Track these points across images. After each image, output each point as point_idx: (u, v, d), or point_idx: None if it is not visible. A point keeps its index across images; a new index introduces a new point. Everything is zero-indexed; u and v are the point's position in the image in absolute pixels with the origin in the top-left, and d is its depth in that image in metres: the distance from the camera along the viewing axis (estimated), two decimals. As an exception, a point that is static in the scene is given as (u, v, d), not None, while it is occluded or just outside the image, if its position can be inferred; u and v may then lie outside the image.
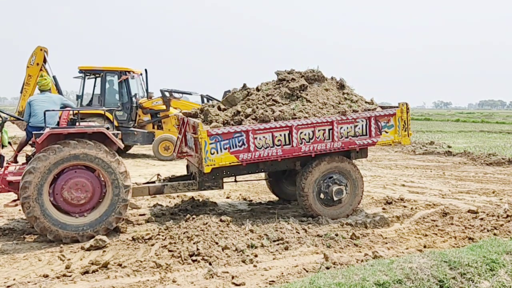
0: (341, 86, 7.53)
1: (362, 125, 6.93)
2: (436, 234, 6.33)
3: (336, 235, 5.99)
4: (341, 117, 6.80)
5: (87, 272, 4.81)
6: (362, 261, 5.07)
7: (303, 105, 6.98)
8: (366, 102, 7.42)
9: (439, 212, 7.31)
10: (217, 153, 6.47)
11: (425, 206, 7.88)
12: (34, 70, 14.27)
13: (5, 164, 6.56)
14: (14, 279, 4.68)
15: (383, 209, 7.76)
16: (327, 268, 4.81)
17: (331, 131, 6.78)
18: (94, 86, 14.99)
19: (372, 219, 6.94)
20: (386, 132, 7.04)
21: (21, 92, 14.71)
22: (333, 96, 7.26)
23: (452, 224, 6.67)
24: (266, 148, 6.63)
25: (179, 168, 12.14)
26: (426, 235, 6.28)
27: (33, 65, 14.23)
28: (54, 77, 14.41)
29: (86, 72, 14.95)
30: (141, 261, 5.10)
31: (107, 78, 14.81)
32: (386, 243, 5.91)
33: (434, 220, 6.90)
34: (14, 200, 6.29)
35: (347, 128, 6.87)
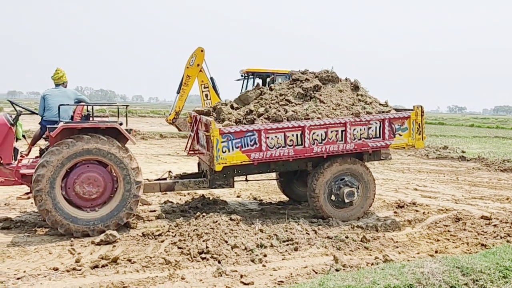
0: (355, 87, 7.46)
1: (376, 127, 6.87)
2: (448, 239, 6.25)
3: (347, 237, 5.93)
4: (354, 119, 6.74)
5: (96, 266, 4.82)
6: (372, 264, 5.02)
7: (316, 106, 6.93)
8: (380, 104, 7.35)
9: (451, 217, 7.20)
10: (229, 151, 6.45)
11: (438, 211, 7.78)
12: (193, 71, 14.58)
13: (18, 157, 6.62)
14: (24, 271, 4.71)
15: (395, 212, 7.68)
16: (337, 270, 4.77)
17: (344, 132, 6.73)
18: (245, 86, 15.37)
19: (383, 222, 6.87)
20: (400, 135, 6.96)
21: (178, 93, 14.99)
22: (347, 97, 7.20)
23: (464, 230, 6.57)
24: (278, 148, 6.59)
25: (190, 165, 12.17)
26: (438, 240, 6.20)
27: (193, 66, 14.55)
28: (211, 78, 14.78)
29: (254, 75, 15.18)
30: (150, 257, 5.10)
31: (277, 80, 15.01)
32: (397, 247, 5.85)
33: (447, 225, 6.81)
34: (27, 193, 6.34)
35: (360, 130, 6.81)
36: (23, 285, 4.37)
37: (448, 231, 6.57)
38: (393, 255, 5.44)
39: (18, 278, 4.53)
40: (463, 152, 16.73)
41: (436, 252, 5.68)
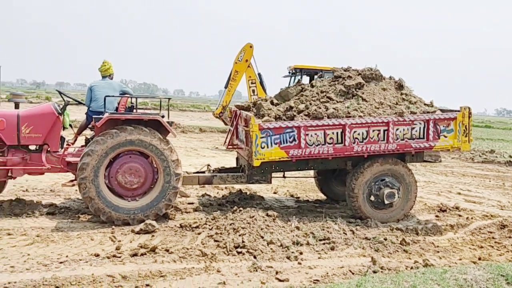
0: (400, 86, 7.27)
1: (420, 128, 6.66)
2: (492, 246, 6.00)
3: (385, 239, 5.80)
4: (397, 118, 6.56)
5: (135, 254, 4.94)
6: (411, 268, 4.88)
7: (358, 104, 6.81)
8: (425, 104, 7.13)
9: (496, 224, 6.89)
10: (267, 147, 6.43)
11: (482, 217, 7.48)
12: (242, 66, 14.73)
13: (65, 146, 6.85)
14: (66, 256, 4.88)
15: (436, 216, 7.45)
16: (374, 272, 4.67)
17: (386, 132, 6.57)
18: (293, 83, 15.08)
19: (424, 226, 6.67)
20: (445, 137, 6.73)
21: (225, 87, 15.20)
22: (390, 96, 7.02)
23: (510, 237, 6.29)
24: (317, 146, 6.52)
25: (228, 160, 12.25)
26: (482, 247, 5.96)
27: (242, 62, 14.70)
28: (259, 74, 14.90)
29: (302, 71, 15.12)
30: (187, 249, 5.17)
31: (325, 77, 15.16)
32: (438, 251, 5.67)
33: (491, 232, 6.53)
34: (72, 180, 6.56)
35: (404, 130, 6.62)
36: (65, 269, 4.52)
37: (493, 238, 6.30)
38: (433, 260, 5.29)
39: (60, 262, 4.69)
40: (510, 156, 16.02)
41: (479, 259, 5.47)
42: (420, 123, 6.66)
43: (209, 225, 6.05)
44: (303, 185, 9.72)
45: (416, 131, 6.68)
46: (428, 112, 6.81)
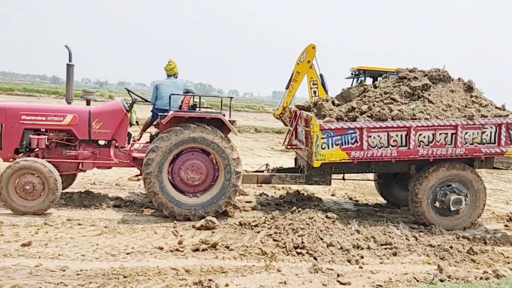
0: (469, 88, 6.94)
1: (491, 132, 6.33)
2: None
3: (451, 247, 5.56)
4: (467, 122, 6.27)
5: (197, 249, 5.03)
6: (481, 278, 4.64)
7: (424, 106, 6.57)
8: (496, 107, 6.76)
9: None
10: (328, 148, 6.35)
11: (556, 229, 6.98)
12: (303, 67, 14.77)
13: (131, 141, 7.11)
14: (132, 248, 5.06)
15: (506, 226, 7.04)
16: (441, 280, 4.47)
17: (454, 135, 6.30)
18: (351, 84, 15.09)
19: (493, 235, 6.32)
20: (518, 142, 6.34)
21: (286, 88, 15.35)
22: (459, 99, 6.73)
23: None
24: (380, 148, 6.35)
25: (283, 160, 12.23)
26: (556, 261, 5.55)
27: (303, 63, 14.74)
28: (321, 75, 14.95)
29: (366, 73, 14.93)
30: (247, 246, 5.20)
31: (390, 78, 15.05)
32: (508, 262, 5.36)
33: None
34: (137, 175, 6.80)
35: (473, 134, 6.32)
36: (131, 260, 4.69)
37: None
38: (504, 271, 5.00)
39: (127, 253, 4.86)
40: None
41: (554, 273, 5.10)
42: (491, 127, 6.34)
43: (268, 224, 6.05)
44: (362, 188, 9.52)
45: (486, 135, 6.36)
46: (500, 116, 6.45)
